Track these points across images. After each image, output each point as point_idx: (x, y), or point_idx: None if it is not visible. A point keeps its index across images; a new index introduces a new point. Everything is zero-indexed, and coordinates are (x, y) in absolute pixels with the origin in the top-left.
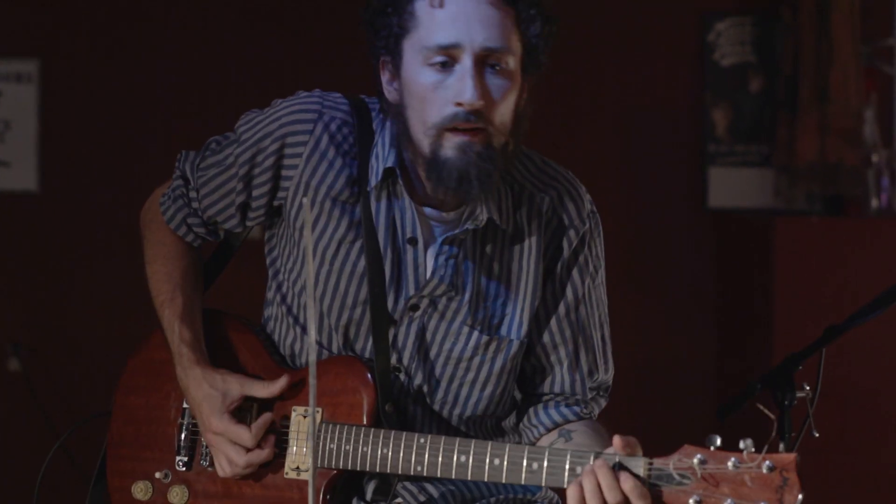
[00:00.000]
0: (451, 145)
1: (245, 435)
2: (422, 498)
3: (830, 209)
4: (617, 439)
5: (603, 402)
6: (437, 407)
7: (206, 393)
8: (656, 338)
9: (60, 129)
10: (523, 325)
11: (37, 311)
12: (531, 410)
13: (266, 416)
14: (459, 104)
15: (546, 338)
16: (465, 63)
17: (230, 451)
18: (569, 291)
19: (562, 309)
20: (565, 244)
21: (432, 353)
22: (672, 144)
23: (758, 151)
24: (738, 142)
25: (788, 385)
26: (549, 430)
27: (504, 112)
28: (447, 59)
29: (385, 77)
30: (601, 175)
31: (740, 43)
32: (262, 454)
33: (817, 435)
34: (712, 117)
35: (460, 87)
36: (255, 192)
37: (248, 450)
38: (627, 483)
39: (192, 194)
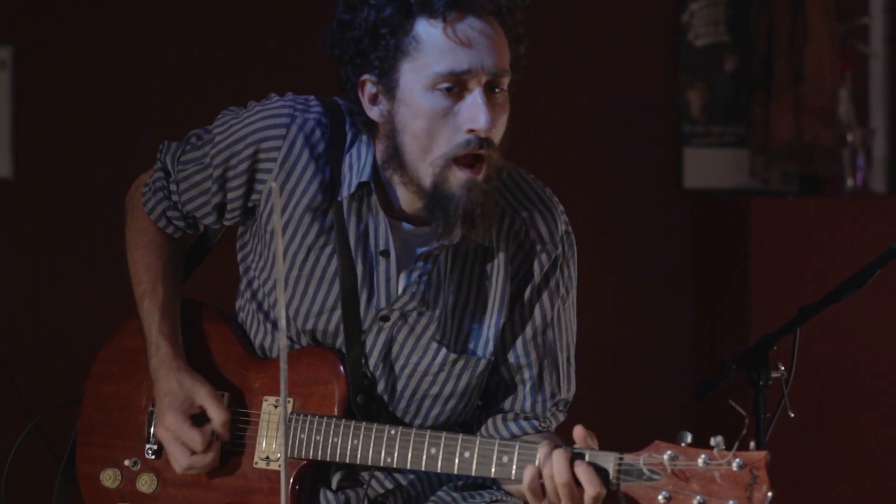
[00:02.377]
0: (457, 182)
1: (195, 437)
2: (389, 485)
3: (806, 189)
4: (578, 429)
5: (561, 417)
6: (399, 414)
7: (172, 389)
8: (633, 319)
9: (35, 116)
10: (490, 342)
11: (12, 297)
12: (490, 422)
13: (214, 428)
14: (471, 131)
15: (511, 358)
16: (476, 90)
17: (177, 449)
18: (537, 314)
19: (529, 331)
20: (536, 267)
21: (398, 366)
22: (647, 125)
23: (733, 132)
24: (714, 122)
25: (763, 365)
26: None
27: (502, 132)
28: (455, 85)
29: (366, 97)
30: (576, 157)
31: (714, 23)
32: (206, 460)
33: (792, 415)
34: (687, 98)
35: (474, 114)
36: (230, 195)
37: (194, 453)
38: (580, 467)
39: (172, 187)
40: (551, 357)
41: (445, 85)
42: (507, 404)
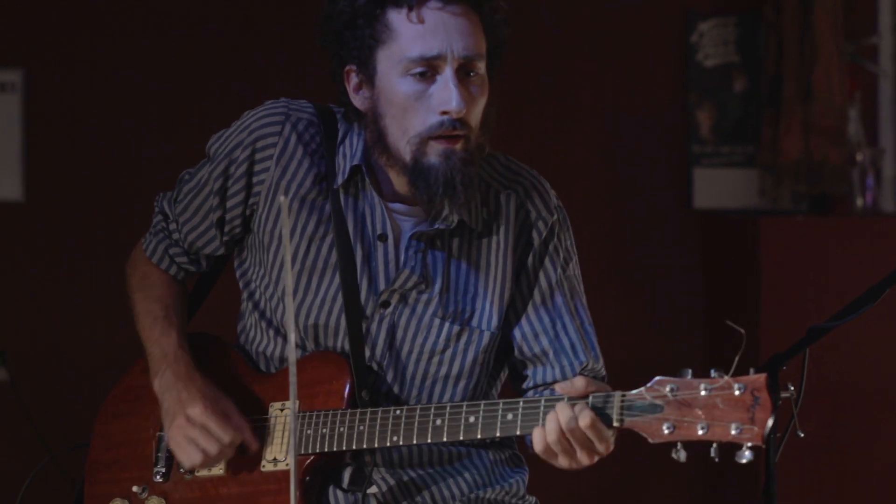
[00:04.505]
0: (434, 153)
1: (225, 433)
2: (396, 486)
3: (815, 208)
4: (578, 380)
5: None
6: (411, 404)
7: (202, 390)
8: (643, 338)
9: (45, 139)
10: (493, 317)
11: (24, 320)
12: (530, 395)
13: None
14: (445, 112)
15: (526, 328)
16: (447, 73)
17: (202, 438)
18: (542, 279)
19: (537, 297)
20: (535, 235)
21: (404, 351)
22: (656, 145)
23: (742, 151)
24: (723, 142)
25: (773, 385)
26: None
27: (478, 115)
28: (427, 69)
29: (351, 86)
30: (586, 176)
31: (723, 43)
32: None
33: (802, 435)
34: (696, 118)
35: (445, 97)
36: (229, 203)
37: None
38: (585, 420)
39: (172, 226)
40: (563, 321)
41: (418, 70)
42: (538, 379)
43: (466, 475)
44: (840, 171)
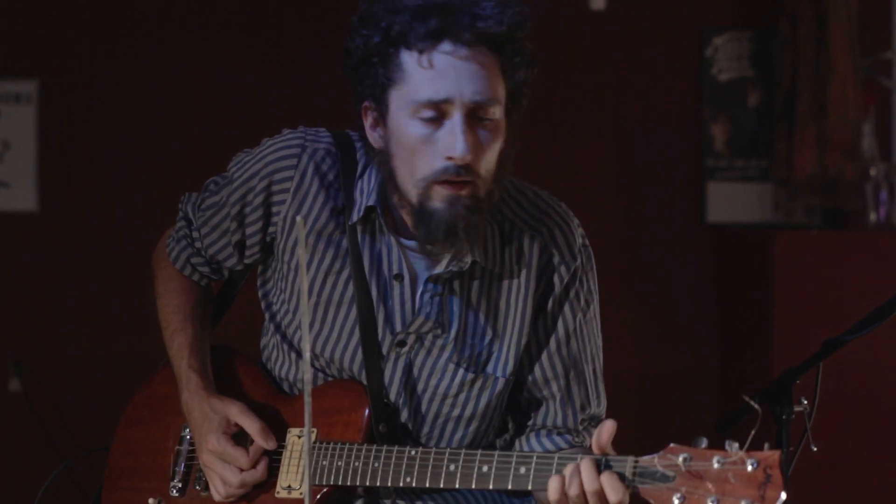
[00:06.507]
0: (439, 198)
1: (241, 456)
2: None
3: (829, 223)
4: (608, 424)
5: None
6: (423, 440)
7: (207, 414)
8: (656, 352)
9: (60, 150)
10: (509, 362)
11: (37, 331)
12: (522, 439)
13: (260, 446)
14: (450, 158)
15: (538, 373)
16: (455, 118)
17: (225, 470)
18: (560, 327)
19: (553, 344)
20: (556, 280)
21: (419, 389)
22: (671, 159)
23: (756, 166)
24: (737, 156)
25: (786, 399)
26: None
27: (490, 161)
28: (436, 113)
29: (368, 122)
30: (600, 190)
31: (738, 57)
32: (257, 474)
33: (815, 449)
34: (711, 132)
35: (451, 142)
36: (248, 230)
37: (243, 470)
38: (606, 477)
39: (195, 234)
40: (577, 368)
41: (426, 113)
42: (538, 420)
43: (477, 494)
44: (854, 186)
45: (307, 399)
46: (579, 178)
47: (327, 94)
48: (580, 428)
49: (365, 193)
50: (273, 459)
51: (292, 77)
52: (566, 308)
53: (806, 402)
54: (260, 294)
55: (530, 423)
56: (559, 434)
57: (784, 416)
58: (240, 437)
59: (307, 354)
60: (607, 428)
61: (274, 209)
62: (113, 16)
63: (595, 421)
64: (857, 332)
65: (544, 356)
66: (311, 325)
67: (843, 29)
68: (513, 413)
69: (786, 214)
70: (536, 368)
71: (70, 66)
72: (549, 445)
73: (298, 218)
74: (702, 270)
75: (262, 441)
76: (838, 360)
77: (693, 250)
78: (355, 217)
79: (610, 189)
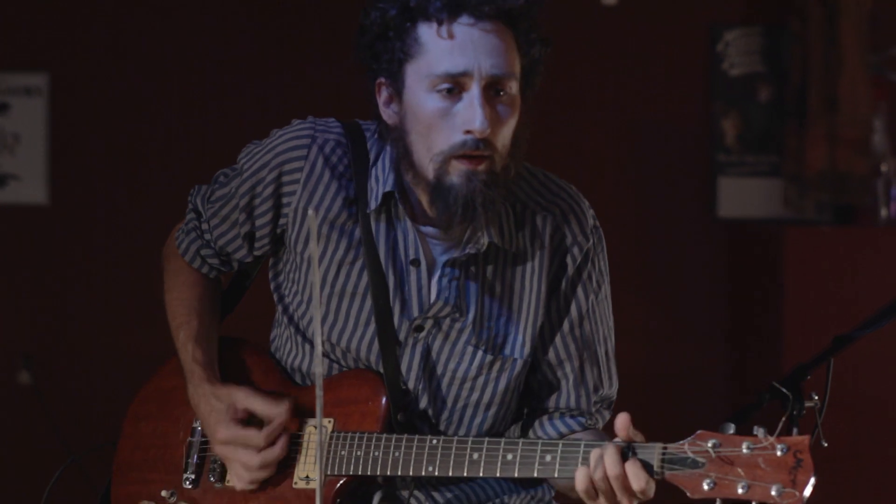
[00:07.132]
0: (456, 173)
1: (254, 436)
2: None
3: (840, 218)
4: (622, 417)
5: (607, 415)
6: (442, 427)
7: (214, 406)
8: (667, 347)
9: (70, 143)
10: (526, 343)
11: (48, 324)
12: (536, 423)
13: (278, 422)
14: (469, 132)
15: (551, 354)
16: (474, 91)
17: (242, 455)
18: (573, 308)
19: (566, 325)
20: (569, 261)
21: (437, 374)
22: (681, 154)
23: (767, 161)
24: (748, 151)
25: (797, 395)
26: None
27: (506, 136)
28: (454, 86)
29: (382, 99)
30: (611, 185)
31: (749, 53)
32: (276, 450)
33: (826, 445)
34: (721, 127)
35: (470, 116)
36: (257, 222)
37: (261, 450)
38: (631, 465)
39: (204, 226)
40: (590, 350)
41: (444, 86)
42: (551, 402)
43: (492, 482)
44: (864, 182)
45: (319, 393)
46: (590, 172)
47: (339, 89)
48: (593, 410)
49: (381, 181)
50: (291, 451)
51: (306, 69)
52: (579, 290)
53: (816, 397)
54: (272, 286)
55: (543, 405)
56: (572, 416)
57: (795, 412)
58: (250, 423)
59: (319, 349)
60: (622, 421)
61: (284, 200)
62: (123, 9)
63: (607, 402)
64: (867, 328)
65: (557, 338)
66: (326, 317)
67: (854, 25)
68: (526, 396)
69: (796, 210)
70: (550, 350)
71: (80, 59)
72: (562, 428)
73: (311, 211)
74: (712, 265)
75: (272, 409)
76: (849, 356)
77: (704, 245)
78: (373, 205)
79: (621, 184)
